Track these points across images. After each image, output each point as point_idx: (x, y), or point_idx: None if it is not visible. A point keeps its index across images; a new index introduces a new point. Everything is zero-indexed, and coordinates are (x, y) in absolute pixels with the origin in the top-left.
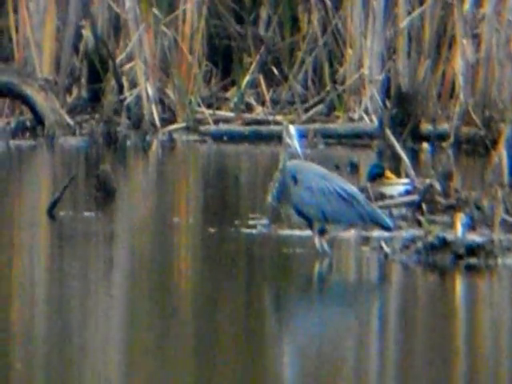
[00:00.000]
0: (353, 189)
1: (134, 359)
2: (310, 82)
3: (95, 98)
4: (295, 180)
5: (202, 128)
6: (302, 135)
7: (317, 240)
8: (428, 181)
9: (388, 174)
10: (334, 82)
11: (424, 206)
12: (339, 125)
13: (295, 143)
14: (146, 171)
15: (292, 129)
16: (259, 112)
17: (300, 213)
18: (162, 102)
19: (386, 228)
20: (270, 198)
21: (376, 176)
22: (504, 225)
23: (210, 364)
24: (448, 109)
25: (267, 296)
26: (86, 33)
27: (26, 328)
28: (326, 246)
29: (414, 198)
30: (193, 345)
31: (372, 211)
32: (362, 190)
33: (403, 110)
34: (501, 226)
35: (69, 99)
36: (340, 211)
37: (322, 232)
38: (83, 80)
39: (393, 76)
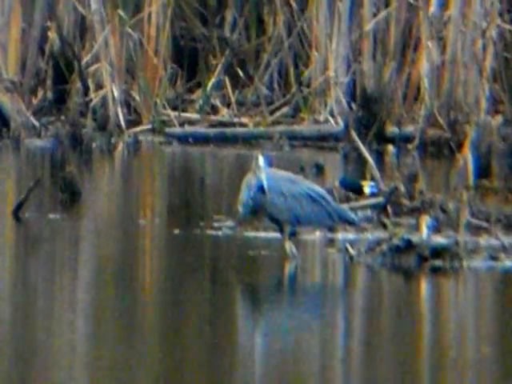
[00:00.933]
0: (320, 189)
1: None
2: (275, 84)
3: (61, 99)
4: (263, 190)
5: (168, 130)
6: (270, 164)
7: (287, 244)
8: (393, 183)
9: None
10: (300, 84)
11: (389, 208)
12: (305, 127)
13: (262, 176)
14: (112, 173)
15: (261, 160)
16: (225, 114)
17: (273, 219)
18: (127, 103)
19: (354, 224)
20: (240, 210)
21: (349, 190)
22: (469, 227)
23: (176, 365)
24: (413, 111)
25: (233, 298)
26: (52, 34)
27: None
28: (294, 249)
29: (379, 200)
30: (159, 348)
31: (339, 209)
32: (328, 191)
33: (368, 112)
34: (466, 228)
35: (34, 101)
36: (312, 213)
37: (292, 235)
38: (49, 82)
39: (358, 78)
